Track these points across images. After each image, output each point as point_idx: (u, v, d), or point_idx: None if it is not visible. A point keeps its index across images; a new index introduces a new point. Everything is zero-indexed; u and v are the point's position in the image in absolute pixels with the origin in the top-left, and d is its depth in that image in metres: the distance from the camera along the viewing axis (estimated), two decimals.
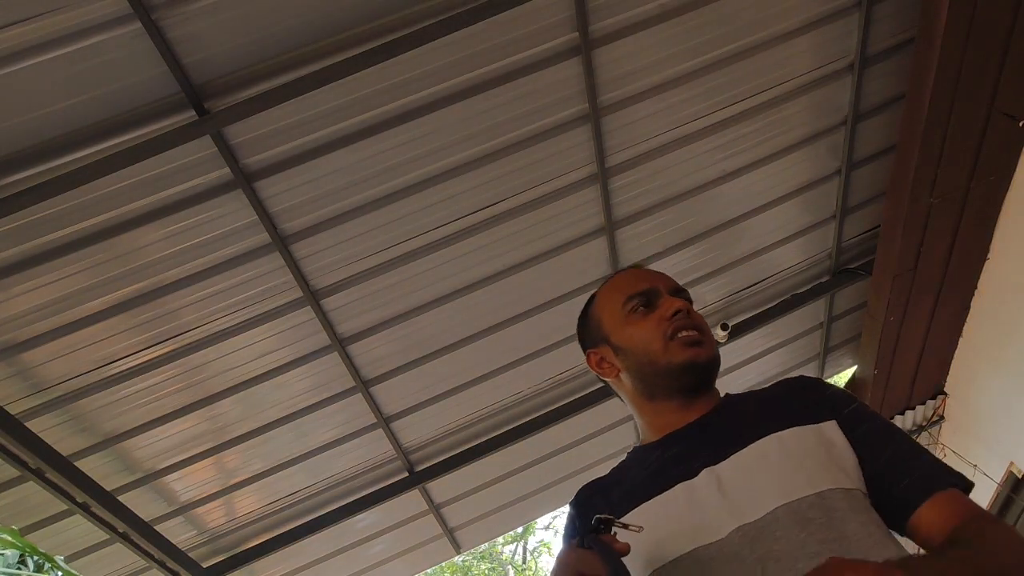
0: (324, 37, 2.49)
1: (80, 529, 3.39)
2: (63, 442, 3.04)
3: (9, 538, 2.45)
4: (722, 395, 1.24)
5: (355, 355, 3.46)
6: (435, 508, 4.46)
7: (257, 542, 3.99)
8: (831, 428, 1.08)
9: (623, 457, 1.25)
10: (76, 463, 3.06)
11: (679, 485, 1.06)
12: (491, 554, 14.62)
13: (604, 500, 1.15)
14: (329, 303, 3.22)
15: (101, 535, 3.38)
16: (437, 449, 4.14)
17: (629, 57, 3.01)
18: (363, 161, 2.87)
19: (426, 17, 2.54)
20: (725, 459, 1.05)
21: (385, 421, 3.78)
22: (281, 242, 2.92)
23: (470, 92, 2.84)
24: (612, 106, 3.13)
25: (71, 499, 3.03)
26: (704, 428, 1.14)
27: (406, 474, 4.11)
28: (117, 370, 3.01)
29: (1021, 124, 3.24)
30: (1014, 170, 3.50)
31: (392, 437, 3.89)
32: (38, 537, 3.34)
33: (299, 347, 3.32)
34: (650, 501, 1.07)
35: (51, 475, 2.89)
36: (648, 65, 3.07)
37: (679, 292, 1.25)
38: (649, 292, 1.22)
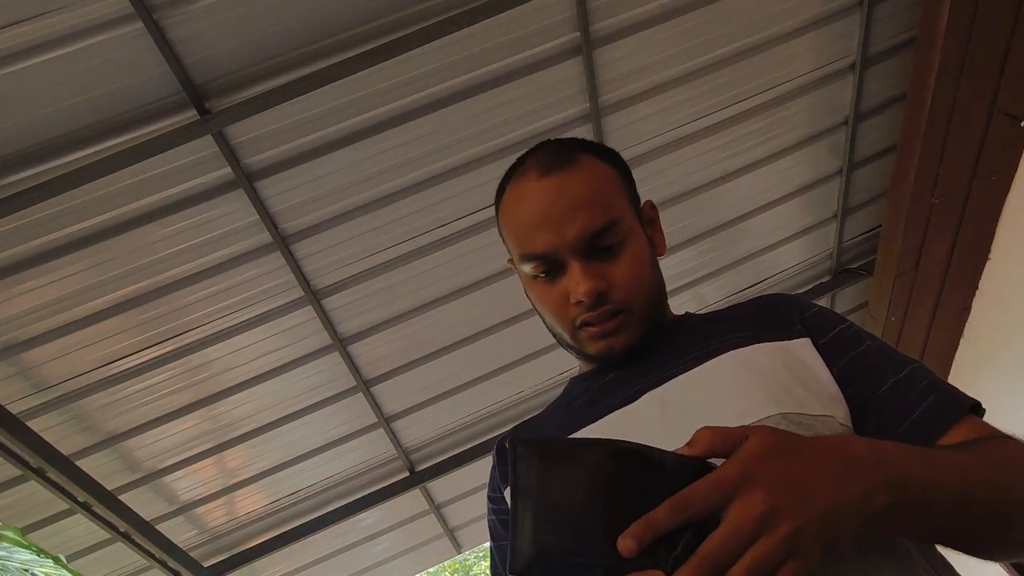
0: (325, 37, 2.49)
1: (81, 528, 3.40)
2: (64, 441, 3.05)
3: (12, 535, 2.46)
4: (681, 314, 1.07)
5: (356, 355, 3.46)
6: (436, 508, 4.46)
7: (258, 541, 4.00)
8: (803, 346, 0.90)
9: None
10: (77, 462, 3.07)
11: (614, 413, 0.90)
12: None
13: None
14: (330, 303, 3.23)
15: (102, 534, 3.38)
16: (438, 449, 4.14)
17: (630, 57, 3.01)
18: (364, 161, 2.87)
19: (426, 17, 2.54)
20: (670, 380, 0.89)
21: (386, 421, 3.79)
22: (282, 242, 2.92)
23: (470, 92, 2.84)
24: (613, 106, 3.13)
25: (72, 498, 3.03)
26: (648, 350, 0.97)
27: (407, 474, 4.11)
28: (118, 370, 3.01)
29: (1023, 124, 3.24)
30: (1015, 170, 3.49)
31: (393, 437, 3.89)
32: (39, 536, 3.34)
33: (300, 347, 3.32)
34: (581, 431, 0.91)
35: (52, 474, 2.90)
36: (649, 65, 3.07)
37: (590, 243, 0.93)
38: (550, 258, 0.94)
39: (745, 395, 0.83)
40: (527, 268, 0.97)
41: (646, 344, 0.97)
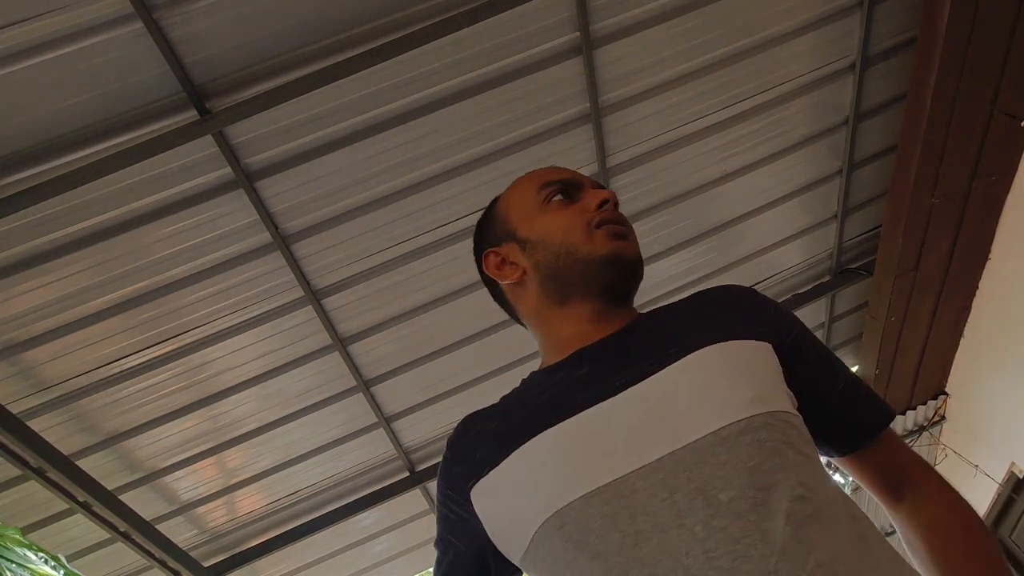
0: (325, 37, 2.49)
1: (81, 528, 3.40)
2: (64, 441, 3.05)
3: (14, 535, 2.46)
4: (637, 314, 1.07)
5: (356, 355, 3.46)
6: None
7: (258, 541, 4.00)
8: (767, 350, 0.91)
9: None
10: (77, 462, 3.07)
11: (592, 408, 0.86)
12: None
13: (488, 436, 0.95)
14: (330, 303, 3.23)
15: (102, 534, 3.38)
16: (438, 449, 4.14)
17: (630, 57, 3.01)
18: (364, 161, 2.87)
19: (426, 17, 2.54)
20: (651, 375, 0.86)
21: (386, 421, 3.79)
22: (282, 242, 2.92)
23: (470, 92, 2.84)
24: (613, 106, 3.13)
25: (72, 498, 3.03)
26: (621, 343, 0.95)
27: (407, 474, 4.11)
28: (118, 369, 3.01)
29: (1023, 124, 3.24)
30: (1015, 170, 3.49)
31: (393, 437, 3.89)
32: (39, 536, 3.34)
33: (300, 347, 3.32)
34: (552, 429, 0.86)
35: (52, 474, 2.90)
36: (649, 65, 3.07)
37: (603, 190, 1.08)
38: (569, 182, 1.06)
39: (731, 391, 0.83)
40: (543, 195, 1.05)
41: (620, 339, 0.96)
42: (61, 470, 2.90)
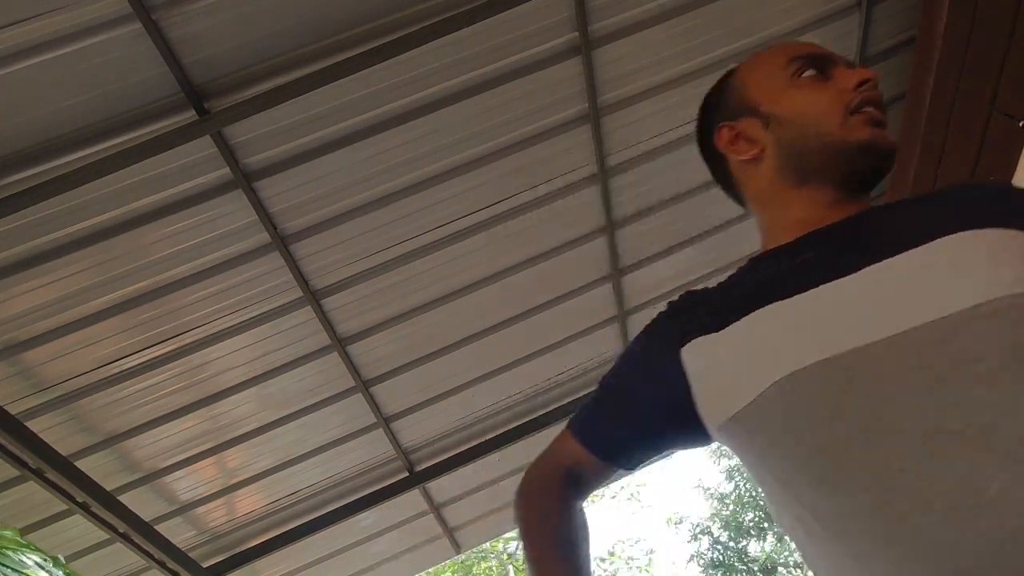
0: (324, 37, 2.49)
1: (80, 529, 3.40)
2: (63, 442, 3.04)
3: (11, 536, 2.46)
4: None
5: (355, 355, 3.46)
6: (435, 508, 4.47)
7: (257, 542, 4.00)
8: None
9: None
10: (76, 463, 3.06)
11: (831, 283, 0.80)
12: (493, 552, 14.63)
13: (715, 302, 0.93)
14: (329, 303, 3.23)
15: (101, 535, 3.38)
16: (437, 449, 4.14)
17: (629, 57, 3.01)
18: (363, 161, 2.87)
19: (426, 17, 2.54)
20: (898, 254, 0.79)
21: (385, 421, 3.79)
22: (281, 242, 2.92)
23: (470, 92, 2.84)
24: (612, 106, 3.13)
25: (71, 499, 3.03)
26: (859, 227, 0.88)
27: (406, 474, 4.11)
28: (117, 370, 3.01)
29: (1021, 124, 3.24)
30: (1014, 170, 3.49)
31: (392, 437, 3.89)
32: (38, 537, 3.34)
33: (299, 347, 3.32)
34: (788, 299, 0.82)
35: (51, 475, 2.90)
36: (648, 65, 3.08)
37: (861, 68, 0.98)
38: (821, 56, 0.98)
39: (991, 268, 0.75)
40: (792, 70, 0.97)
41: (858, 222, 0.90)
42: (60, 470, 2.90)
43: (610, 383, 1.02)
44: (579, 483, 1.00)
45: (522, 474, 1.06)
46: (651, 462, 0.96)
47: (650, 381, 0.95)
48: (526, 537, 0.98)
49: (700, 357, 0.88)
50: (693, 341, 0.89)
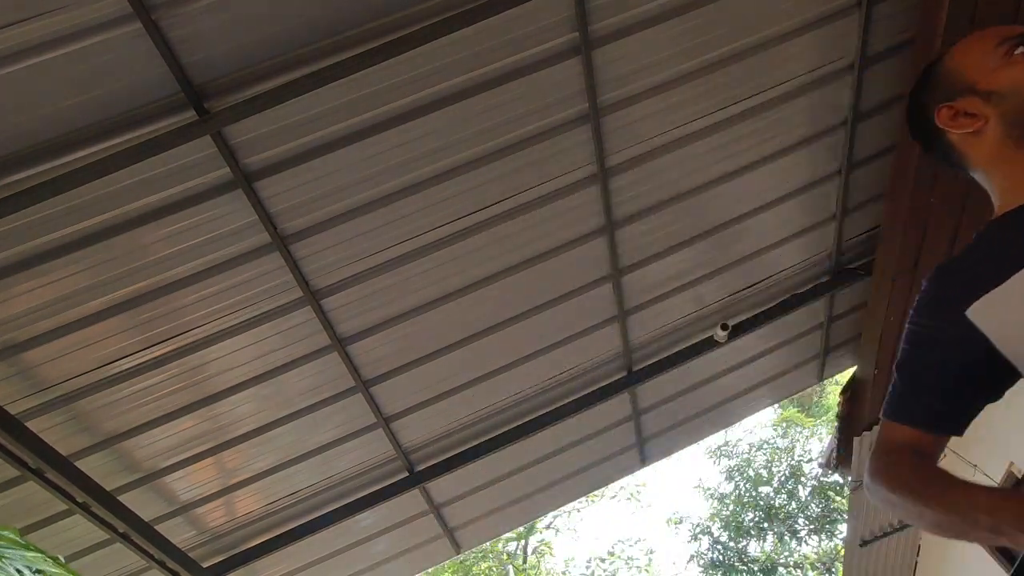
0: (324, 37, 2.49)
1: (80, 529, 3.40)
2: (63, 442, 3.04)
3: (11, 536, 2.45)
4: None
5: (355, 355, 3.46)
6: (435, 508, 4.46)
7: (257, 542, 4.00)
8: None
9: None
10: (76, 463, 3.06)
11: None
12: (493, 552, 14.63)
13: (978, 265, 1.06)
14: (329, 303, 3.23)
15: (101, 535, 3.38)
16: (437, 449, 4.14)
17: (629, 57, 3.01)
18: (363, 161, 2.87)
19: (426, 17, 2.54)
20: None
21: (385, 421, 3.79)
22: (281, 242, 2.92)
23: (470, 92, 2.84)
24: (612, 106, 3.13)
25: (71, 499, 3.03)
26: None
27: (406, 474, 4.11)
28: (117, 370, 3.01)
29: None
30: None
31: (392, 437, 3.89)
32: (38, 537, 3.34)
33: (299, 347, 3.32)
34: None
35: (51, 475, 2.89)
36: (648, 65, 3.07)
37: None
38: None
39: None
40: (1003, 49, 1.13)
41: None
42: (60, 471, 2.89)
43: (912, 365, 1.11)
44: (923, 456, 1.10)
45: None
46: (975, 418, 1.10)
47: (948, 351, 1.06)
48: (933, 498, 1.01)
49: (992, 313, 0.99)
50: (978, 303, 1.00)
